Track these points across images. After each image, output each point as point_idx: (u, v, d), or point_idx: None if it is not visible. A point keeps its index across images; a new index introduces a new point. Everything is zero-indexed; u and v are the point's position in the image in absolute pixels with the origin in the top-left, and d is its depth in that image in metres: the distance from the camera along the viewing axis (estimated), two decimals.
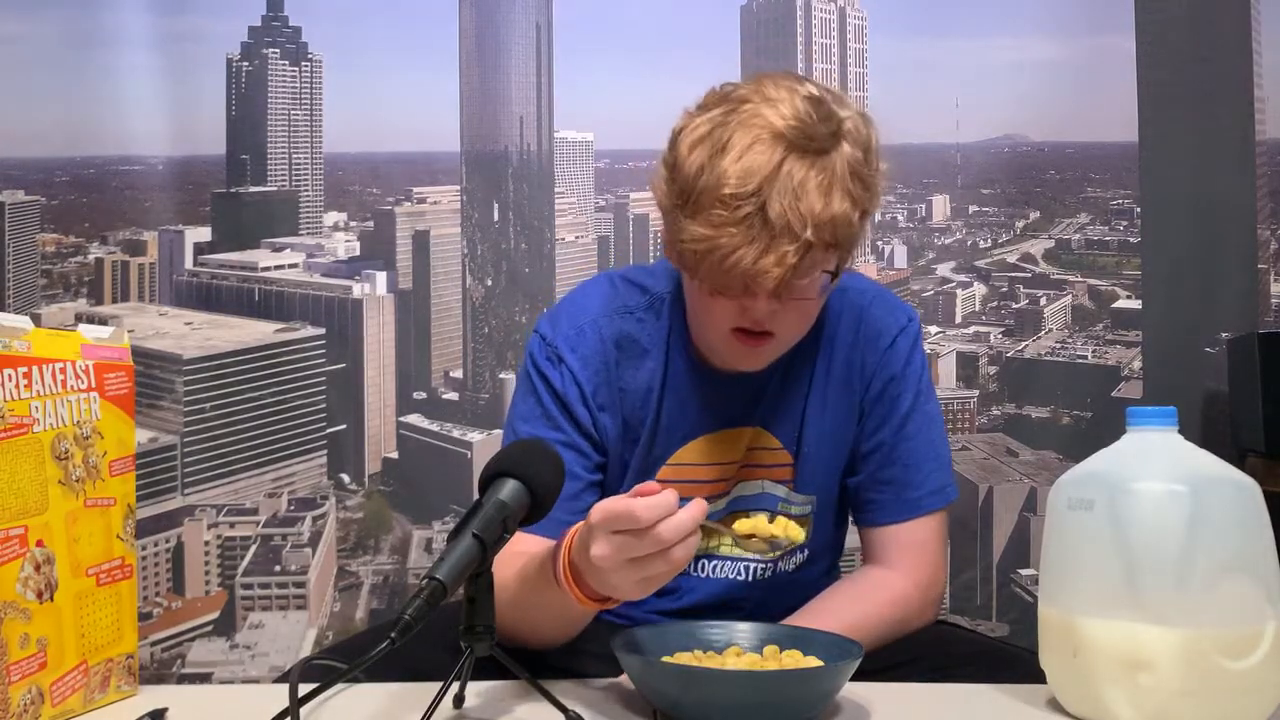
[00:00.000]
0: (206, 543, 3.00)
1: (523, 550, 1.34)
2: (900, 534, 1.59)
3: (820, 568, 1.69)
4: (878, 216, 3.14)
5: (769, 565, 1.61)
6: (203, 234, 3.10)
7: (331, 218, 3.15)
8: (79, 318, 3.02)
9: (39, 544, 1.23)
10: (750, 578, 1.61)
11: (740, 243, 1.33)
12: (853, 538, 1.76)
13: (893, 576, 1.57)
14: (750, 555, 1.60)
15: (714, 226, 1.34)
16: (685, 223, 1.37)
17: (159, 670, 2.90)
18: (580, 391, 1.55)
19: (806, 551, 1.64)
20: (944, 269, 3.17)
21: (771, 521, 1.35)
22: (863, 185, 1.38)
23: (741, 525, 1.34)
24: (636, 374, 1.57)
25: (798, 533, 1.34)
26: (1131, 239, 3.09)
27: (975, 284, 3.16)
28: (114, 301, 3.09)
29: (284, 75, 3.10)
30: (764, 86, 1.38)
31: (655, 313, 1.58)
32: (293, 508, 3.06)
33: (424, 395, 3.10)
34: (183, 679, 2.91)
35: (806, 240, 1.33)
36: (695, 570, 1.60)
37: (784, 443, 1.59)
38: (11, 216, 3.06)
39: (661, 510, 1.18)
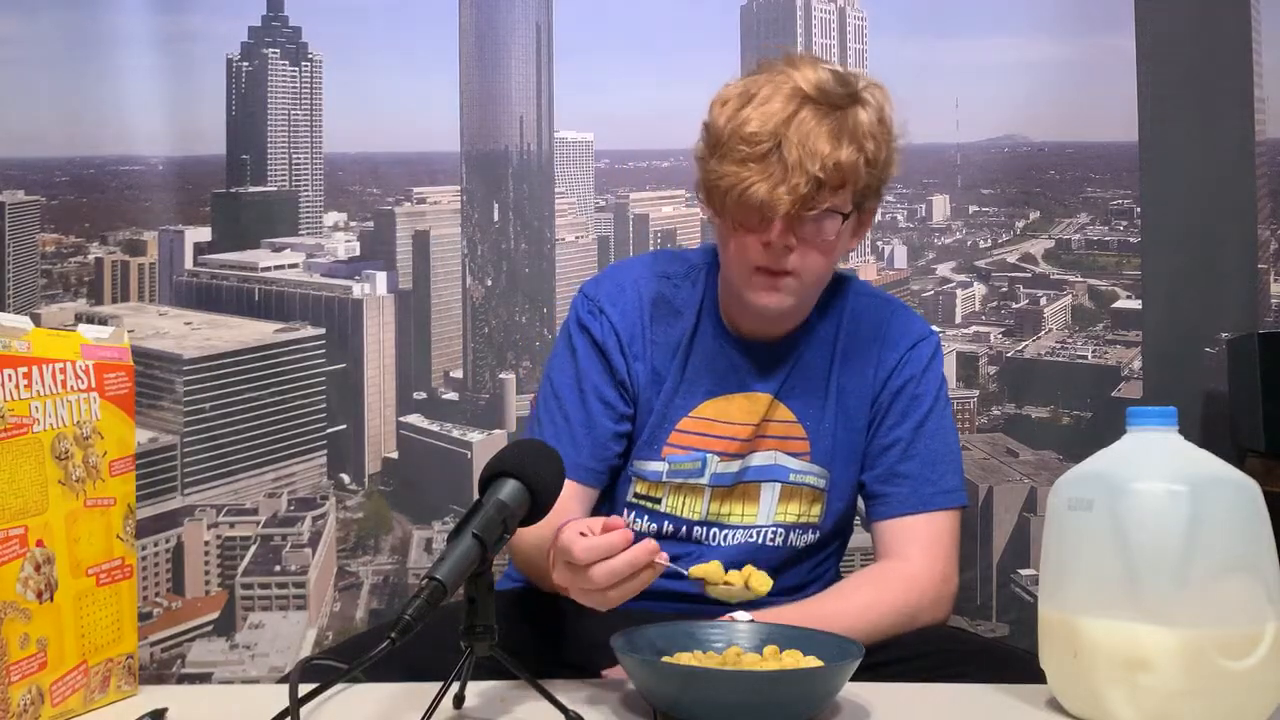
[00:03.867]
0: (206, 543, 3.01)
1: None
2: (914, 526, 1.64)
3: (830, 550, 1.74)
4: (878, 216, 3.14)
5: (780, 534, 1.67)
6: (203, 234, 3.10)
7: (331, 218, 3.15)
8: (79, 318, 3.02)
9: (39, 544, 1.23)
10: (762, 540, 1.67)
11: (757, 176, 1.50)
12: (858, 540, 1.77)
13: (907, 566, 1.61)
14: (761, 522, 1.67)
15: (737, 163, 1.51)
16: (714, 164, 1.54)
17: (159, 670, 2.90)
18: (618, 340, 1.68)
19: (818, 533, 1.70)
20: (944, 269, 3.17)
21: (741, 570, 1.39)
22: (874, 142, 1.54)
23: (694, 570, 1.38)
24: (668, 330, 1.69)
25: (761, 583, 1.37)
26: (1131, 239, 3.09)
27: (975, 284, 3.16)
28: (114, 301, 3.10)
29: (284, 75, 3.10)
30: (792, 58, 1.57)
31: (691, 281, 1.71)
32: (293, 508, 3.06)
33: (424, 395, 3.10)
34: (183, 679, 2.92)
35: (815, 176, 1.49)
36: (708, 539, 1.67)
37: (798, 416, 1.67)
38: (11, 216, 3.06)
39: (599, 553, 1.28)
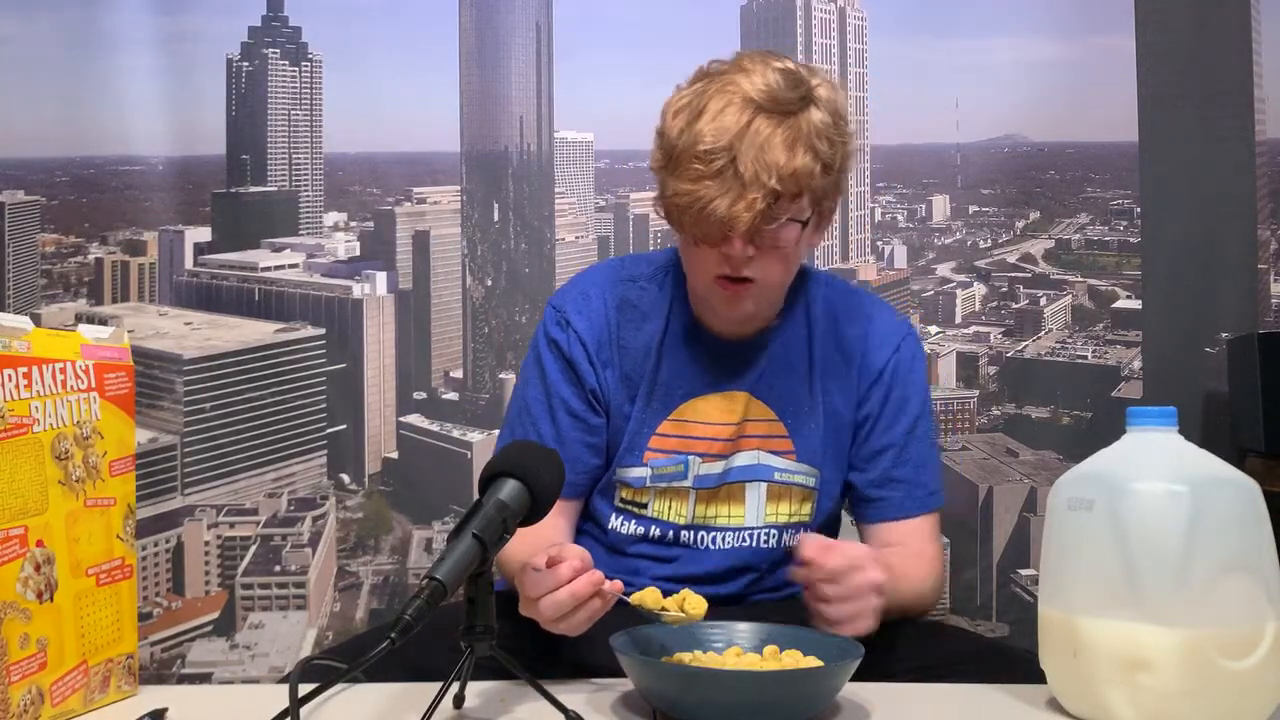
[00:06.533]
0: (206, 543, 3.00)
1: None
2: (911, 528, 1.67)
3: None
4: (878, 216, 3.15)
5: (774, 535, 1.68)
6: (203, 234, 3.10)
7: (331, 218, 3.15)
8: (79, 318, 3.02)
9: (39, 544, 1.23)
10: (755, 543, 1.68)
11: (715, 194, 1.48)
12: (848, 536, 1.78)
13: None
14: (751, 524, 1.67)
15: (693, 181, 1.49)
16: (669, 180, 1.53)
17: (159, 670, 2.90)
18: (585, 351, 1.67)
19: (810, 531, 1.70)
20: (944, 269, 3.17)
21: (676, 594, 1.41)
22: (828, 143, 1.52)
23: (633, 598, 1.39)
24: (637, 334, 1.68)
25: (697, 606, 1.38)
26: (1131, 239, 3.09)
27: (975, 284, 3.16)
28: (114, 301, 3.09)
29: (284, 75, 3.10)
30: (741, 60, 1.55)
31: (658, 283, 1.70)
32: (293, 508, 3.06)
33: (424, 395, 3.10)
34: (183, 679, 2.91)
35: (772, 189, 1.48)
36: (696, 543, 1.67)
37: (778, 414, 1.67)
38: (11, 216, 3.06)
39: (545, 587, 1.32)
